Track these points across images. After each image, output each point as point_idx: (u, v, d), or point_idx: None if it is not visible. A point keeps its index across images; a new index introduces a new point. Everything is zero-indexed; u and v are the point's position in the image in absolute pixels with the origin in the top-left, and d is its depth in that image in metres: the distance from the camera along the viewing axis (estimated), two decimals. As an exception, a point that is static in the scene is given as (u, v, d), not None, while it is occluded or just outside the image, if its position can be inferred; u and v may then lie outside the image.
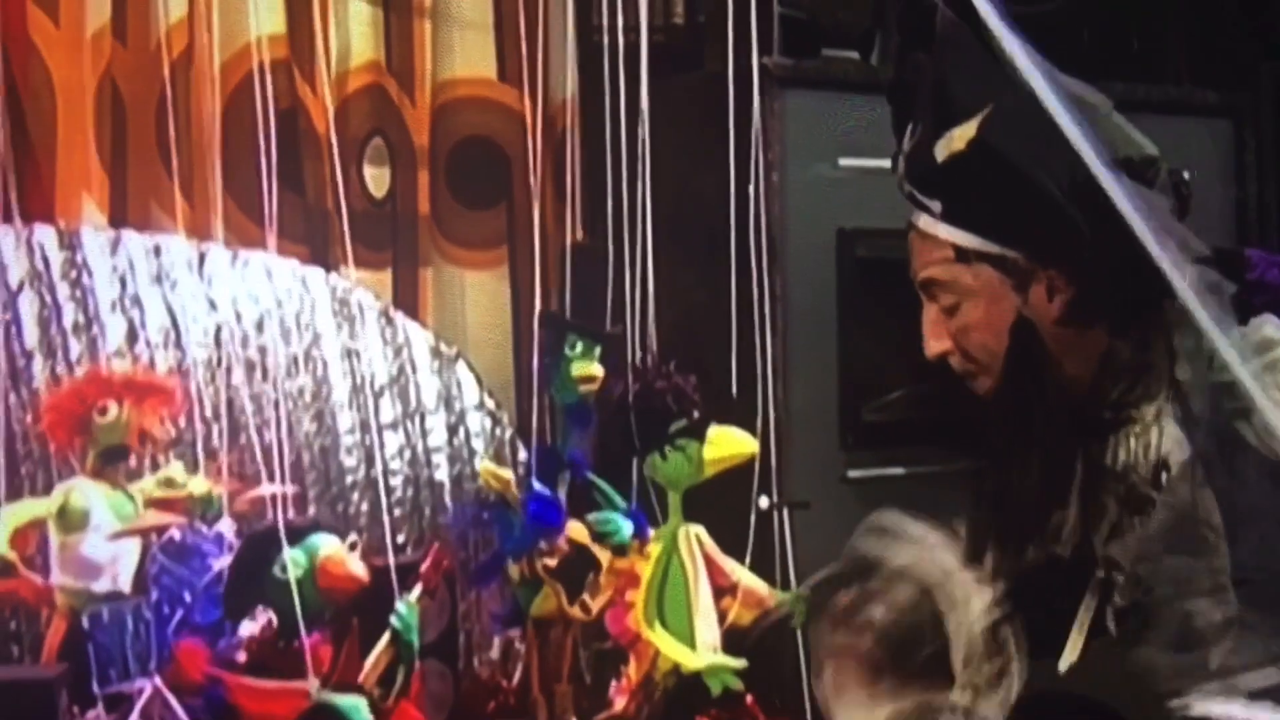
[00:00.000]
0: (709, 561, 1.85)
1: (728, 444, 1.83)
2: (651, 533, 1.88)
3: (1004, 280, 1.54)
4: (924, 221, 1.57)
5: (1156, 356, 1.51)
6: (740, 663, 1.79)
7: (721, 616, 1.84)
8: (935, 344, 1.60)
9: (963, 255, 1.54)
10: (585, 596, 1.88)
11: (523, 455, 2.27)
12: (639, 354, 1.94)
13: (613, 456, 1.93)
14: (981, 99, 1.50)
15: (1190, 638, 1.45)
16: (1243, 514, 1.45)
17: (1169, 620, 1.47)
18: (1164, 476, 1.49)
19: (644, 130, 1.94)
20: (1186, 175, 1.62)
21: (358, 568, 1.67)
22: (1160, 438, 1.50)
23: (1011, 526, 1.62)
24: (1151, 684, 1.47)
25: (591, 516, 1.88)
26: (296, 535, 1.67)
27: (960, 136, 1.50)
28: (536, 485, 1.88)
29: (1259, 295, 1.55)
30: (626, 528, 1.87)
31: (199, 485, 1.79)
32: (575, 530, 1.89)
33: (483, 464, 2.04)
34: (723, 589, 1.86)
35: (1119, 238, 1.35)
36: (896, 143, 1.61)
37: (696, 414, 1.84)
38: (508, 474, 1.93)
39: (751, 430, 1.89)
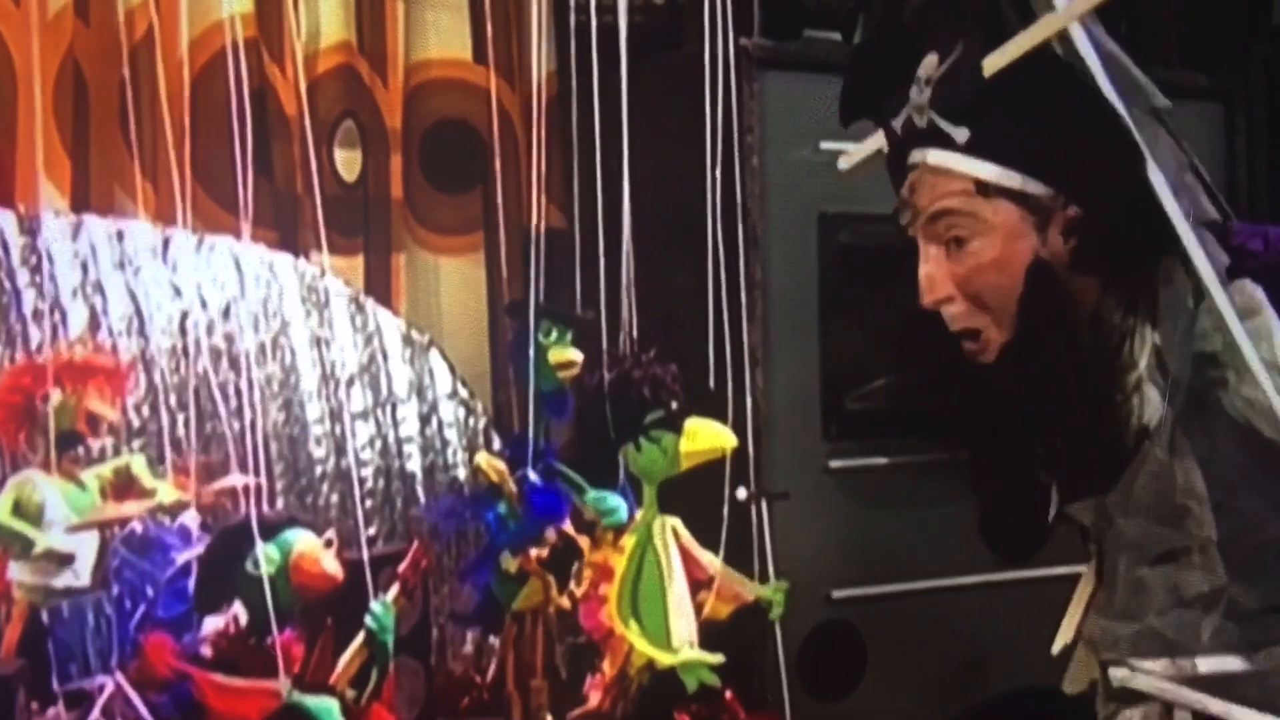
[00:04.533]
0: (685, 554, 1.81)
1: (705, 437, 1.79)
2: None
3: (1024, 218, 1.48)
4: (935, 157, 1.51)
5: (1140, 319, 1.47)
6: (717, 658, 1.75)
7: (698, 610, 1.80)
8: (939, 289, 1.52)
9: (982, 189, 1.49)
10: (572, 586, 1.86)
11: (496, 445, 2.24)
12: (617, 342, 1.90)
13: (591, 446, 1.90)
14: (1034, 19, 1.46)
15: (1180, 608, 1.43)
16: (1219, 485, 1.41)
17: (1157, 590, 1.45)
18: (1146, 443, 1.46)
19: (623, 113, 1.90)
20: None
21: (332, 565, 1.64)
22: (1142, 405, 1.47)
23: (1032, 483, 1.58)
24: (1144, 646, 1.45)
25: (589, 496, 1.85)
26: (270, 530, 1.64)
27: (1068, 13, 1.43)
28: (533, 476, 1.85)
29: (1241, 261, 1.52)
30: (624, 507, 1.84)
31: (168, 493, 1.75)
32: (562, 519, 1.87)
33: (480, 455, 2.00)
34: (699, 582, 1.82)
35: (1136, 183, 1.36)
36: (857, 93, 1.57)
37: (675, 405, 1.80)
38: (504, 465, 1.89)
39: (731, 420, 1.85)
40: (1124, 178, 1.41)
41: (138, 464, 1.78)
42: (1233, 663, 1.43)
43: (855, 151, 1.67)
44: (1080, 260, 1.47)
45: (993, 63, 1.46)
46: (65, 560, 1.65)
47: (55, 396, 1.68)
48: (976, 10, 1.48)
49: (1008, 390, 1.49)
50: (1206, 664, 1.44)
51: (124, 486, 1.74)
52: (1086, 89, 1.42)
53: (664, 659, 1.75)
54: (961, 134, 1.47)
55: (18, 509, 1.66)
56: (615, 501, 1.84)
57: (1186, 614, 1.44)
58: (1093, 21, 1.48)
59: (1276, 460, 1.39)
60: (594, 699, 1.84)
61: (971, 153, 1.47)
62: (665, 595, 1.77)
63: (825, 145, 2.23)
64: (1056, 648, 1.59)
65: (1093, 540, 1.57)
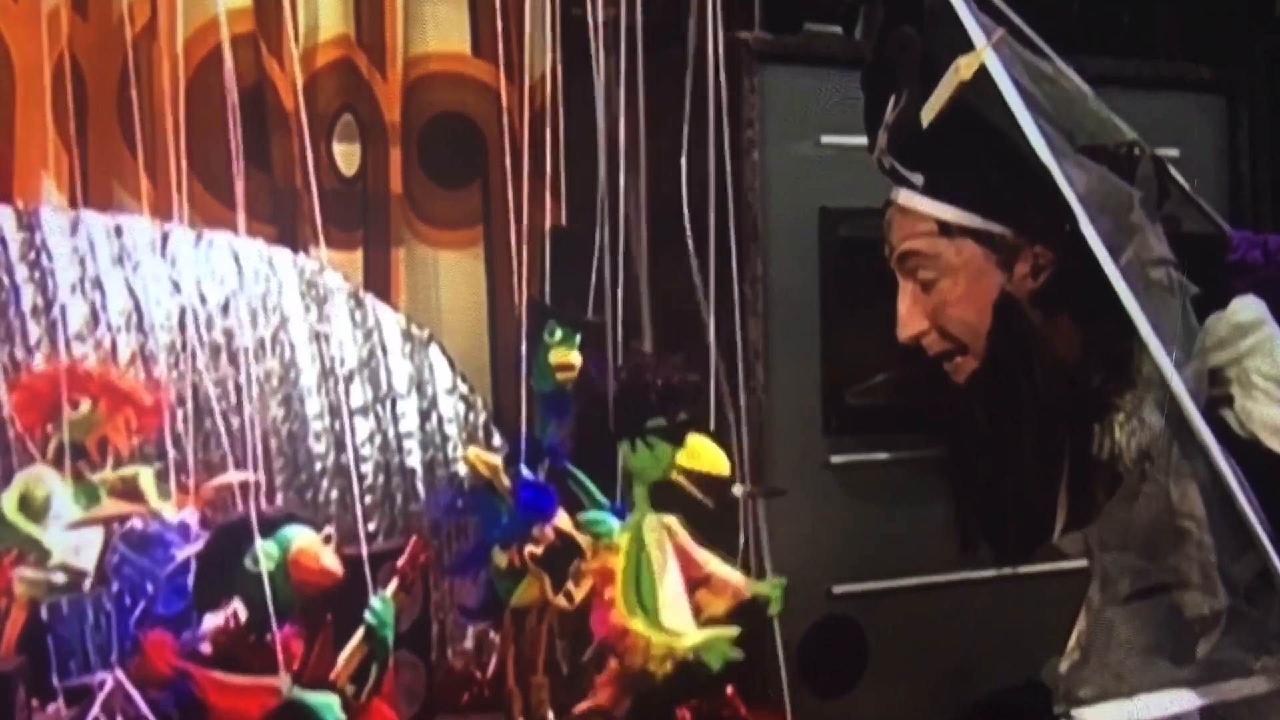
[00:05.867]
0: (681, 552, 1.80)
1: (702, 457, 1.78)
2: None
3: (988, 256, 1.50)
4: (904, 197, 1.53)
5: (1138, 341, 1.47)
6: (734, 630, 1.73)
7: (696, 609, 1.79)
8: (911, 325, 1.56)
9: (946, 230, 1.50)
10: (569, 585, 1.84)
11: (497, 441, 2.23)
12: (620, 337, 1.89)
13: (591, 441, 1.89)
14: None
15: (1178, 630, 1.43)
16: (1220, 504, 1.41)
17: (1122, 630, 1.45)
18: (1147, 466, 1.46)
19: (620, 107, 1.89)
20: (1176, 152, 1.58)
21: (331, 561, 1.63)
22: (1142, 426, 1.46)
23: (1003, 516, 1.58)
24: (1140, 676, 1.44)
25: (583, 516, 1.84)
26: (269, 526, 1.62)
27: (967, 65, 1.44)
28: (526, 472, 1.84)
29: (1241, 277, 1.52)
30: (617, 530, 1.83)
31: (169, 512, 1.75)
32: (559, 518, 1.84)
33: (471, 450, 1.99)
34: (696, 580, 1.81)
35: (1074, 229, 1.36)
36: (868, 125, 1.57)
37: (683, 416, 1.78)
38: (496, 460, 1.88)
39: (732, 415, 1.85)
40: (1064, 226, 1.42)
41: (146, 477, 1.77)
42: (1180, 699, 1.43)
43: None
44: (1043, 296, 1.48)
45: (926, 112, 1.47)
46: (80, 575, 1.65)
47: (84, 407, 1.68)
48: (916, 57, 1.49)
49: (974, 418, 1.50)
50: (1152, 703, 1.43)
51: (129, 495, 1.74)
52: (1014, 139, 1.42)
53: (683, 644, 1.73)
54: (917, 178, 1.49)
55: (25, 504, 1.66)
56: (609, 525, 1.83)
57: (1150, 660, 1.44)
58: (1055, 71, 1.48)
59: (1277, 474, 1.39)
60: (595, 696, 1.83)
61: (930, 195, 1.49)
62: (657, 595, 1.76)
63: (826, 139, 2.22)
64: (1064, 667, 1.58)
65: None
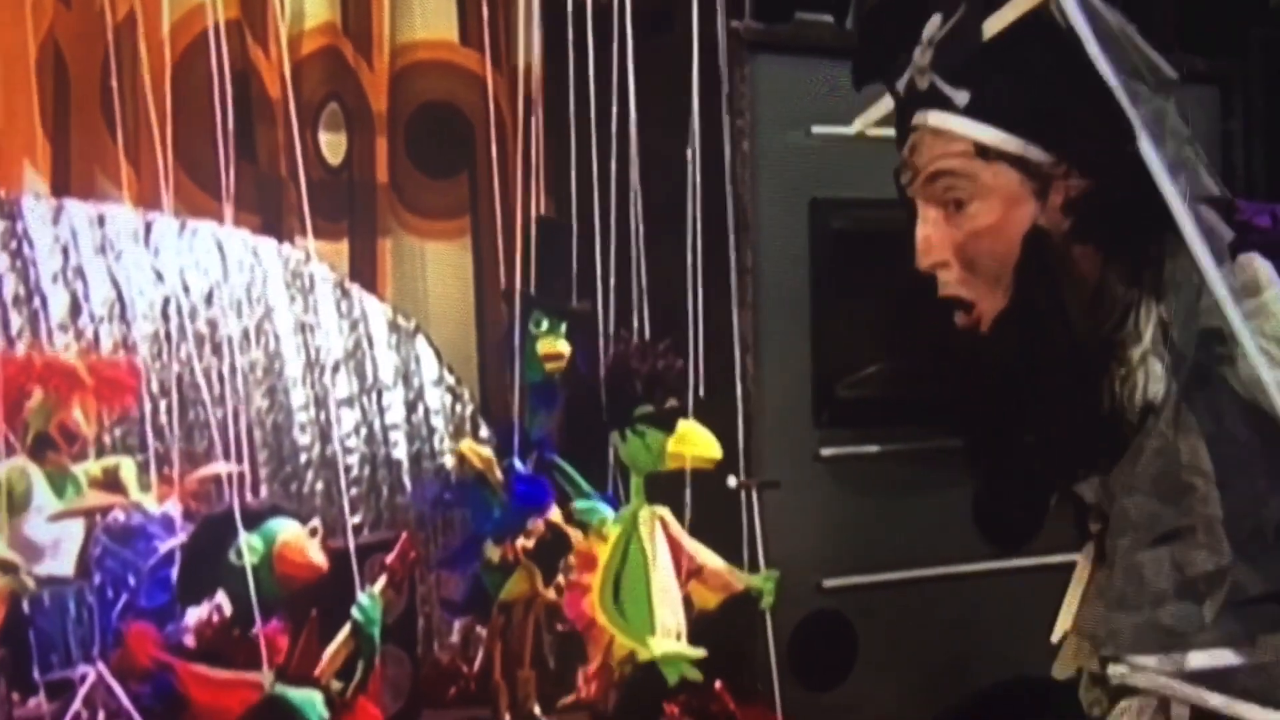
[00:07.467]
0: (673, 544, 1.79)
1: (694, 442, 1.76)
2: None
3: (1024, 183, 1.46)
4: (936, 118, 1.49)
5: (1144, 292, 1.45)
6: (698, 652, 1.72)
7: (687, 600, 1.78)
8: (935, 252, 1.50)
9: (982, 152, 1.47)
10: (560, 578, 1.84)
11: (484, 433, 2.22)
12: (613, 327, 1.88)
13: (581, 430, 1.88)
14: None
15: (1183, 589, 1.41)
16: (1224, 462, 1.39)
17: (1154, 576, 1.43)
18: (1151, 420, 1.44)
19: (615, 97, 1.88)
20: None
21: (317, 555, 1.62)
22: (1147, 380, 1.45)
23: (1027, 470, 1.55)
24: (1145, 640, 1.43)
25: (576, 506, 1.85)
26: (254, 519, 1.62)
27: None
28: (519, 465, 1.83)
29: (1246, 234, 1.50)
30: (611, 519, 1.82)
31: (149, 503, 1.75)
32: (550, 510, 1.86)
33: (464, 442, 1.98)
34: (688, 572, 1.80)
35: (1132, 156, 1.35)
36: (866, 58, 1.54)
37: (672, 403, 1.77)
38: (489, 452, 1.87)
39: (724, 405, 1.83)
40: (1121, 149, 1.39)
41: (127, 468, 1.76)
42: (1227, 656, 1.41)
43: (870, 111, 1.64)
44: (1080, 229, 1.45)
45: (991, 25, 1.44)
46: (8, 568, 1.63)
47: (36, 395, 1.67)
48: None
49: (1000, 361, 1.47)
50: (1201, 658, 1.42)
51: (111, 485, 1.73)
52: (1082, 58, 1.40)
53: (644, 651, 1.73)
54: (962, 97, 1.45)
55: (5, 495, 1.65)
56: (602, 514, 1.82)
57: (1185, 605, 1.42)
58: (1103, 5, 1.45)
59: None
60: (581, 690, 1.82)
61: (972, 115, 1.45)
62: (649, 586, 1.75)
63: (817, 129, 2.21)
64: (1056, 635, 1.57)
65: (1094, 520, 1.55)
